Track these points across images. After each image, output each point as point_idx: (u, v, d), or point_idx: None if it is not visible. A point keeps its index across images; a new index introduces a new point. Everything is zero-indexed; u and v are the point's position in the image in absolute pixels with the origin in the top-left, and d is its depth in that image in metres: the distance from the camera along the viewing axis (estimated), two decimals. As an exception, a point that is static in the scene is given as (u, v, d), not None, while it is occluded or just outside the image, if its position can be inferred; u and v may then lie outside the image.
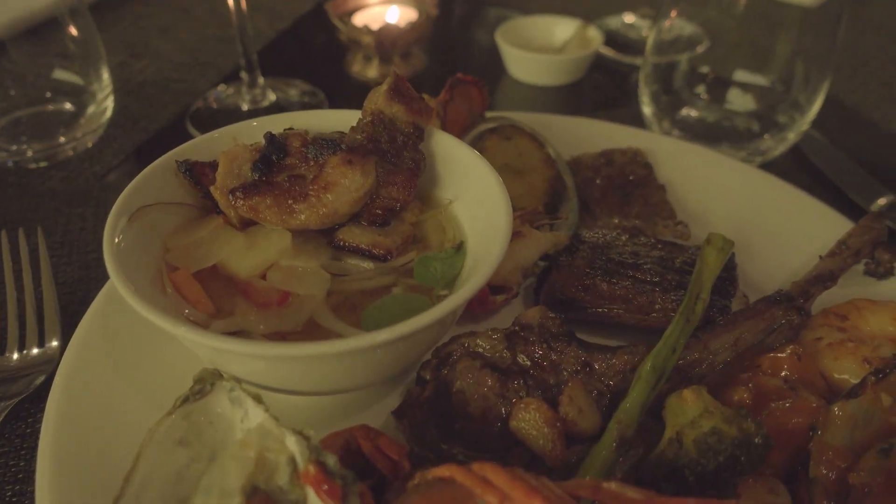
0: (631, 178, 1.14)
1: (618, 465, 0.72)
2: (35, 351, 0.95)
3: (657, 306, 0.89)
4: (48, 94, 1.37)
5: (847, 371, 0.80)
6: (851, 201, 1.25)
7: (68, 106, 1.38)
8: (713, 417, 0.69)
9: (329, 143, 0.84)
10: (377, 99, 0.89)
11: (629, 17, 1.89)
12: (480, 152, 1.10)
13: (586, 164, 1.17)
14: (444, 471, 0.63)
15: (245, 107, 1.48)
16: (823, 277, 0.90)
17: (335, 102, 1.55)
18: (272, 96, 1.50)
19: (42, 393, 0.87)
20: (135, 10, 1.94)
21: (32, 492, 0.79)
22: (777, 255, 1.04)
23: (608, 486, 0.61)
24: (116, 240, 0.74)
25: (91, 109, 1.37)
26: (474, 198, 0.87)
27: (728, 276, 0.93)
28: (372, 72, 1.63)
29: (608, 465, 0.71)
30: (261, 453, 0.66)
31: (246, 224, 0.83)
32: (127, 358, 0.83)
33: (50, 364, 0.93)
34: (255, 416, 0.69)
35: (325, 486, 0.61)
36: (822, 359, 0.82)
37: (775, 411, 0.74)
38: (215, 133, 0.91)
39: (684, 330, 0.81)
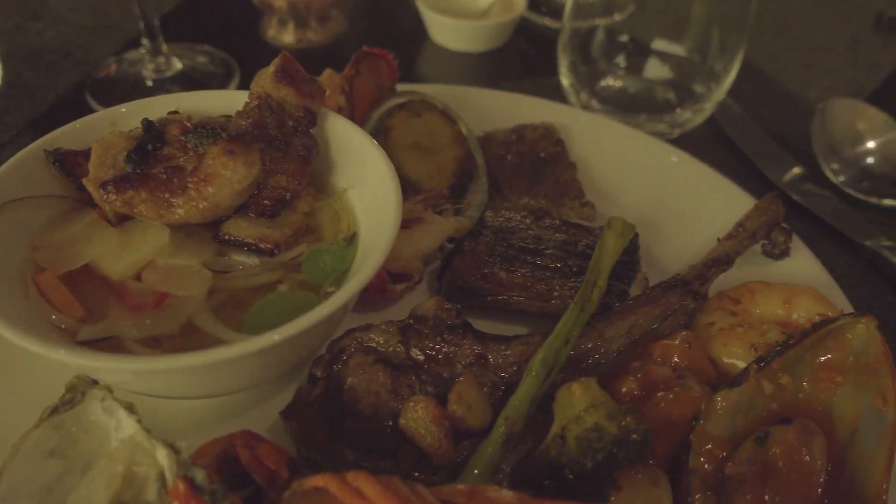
0: (542, 155, 1.13)
1: (506, 460, 0.73)
2: None
3: (556, 293, 0.88)
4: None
5: (735, 356, 0.81)
6: (763, 173, 1.26)
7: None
8: (597, 412, 0.69)
9: (209, 132, 0.80)
10: (264, 81, 0.84)
11: (558, -22, 1.84)
12: (388, 130, 1.09)
13: (498, 140, 1.15)
14: (318, 480, 0.61)
15: (148, 76, 1.40)
16: (720, 260, 0.90)
17: (248, 70, 1.47)
18: (178, 65, 1.42)
19: None
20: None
21: None
22: (684, 234, 1.04)
23: (483, 490, 0.61)
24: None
25: (-23, 81, 1.27)
26: (368, 186, 0.84)
27: (629, 260, 0.93)
28: (288, 37, 1.56)
29: (495, 461, 0.71)
30: (129, 468, 0.64)
31: (123, 219, 0.79)
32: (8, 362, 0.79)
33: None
34: (127, 426, 0.66)
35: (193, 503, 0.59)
36: (713, 345, 0.83)
37: (660, 401, 0.75)
38: (90, 118, 0.85)
39: (579, 320, 0.81)
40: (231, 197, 0.77)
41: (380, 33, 1.67)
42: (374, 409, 0.76)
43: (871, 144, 1.22)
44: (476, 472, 0.70)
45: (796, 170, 1.26)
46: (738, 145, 1.32)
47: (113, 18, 1.64)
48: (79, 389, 0.69)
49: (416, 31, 1.62)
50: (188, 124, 0.82)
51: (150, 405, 0.72)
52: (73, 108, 1.37)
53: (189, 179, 0.77)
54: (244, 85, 1.41)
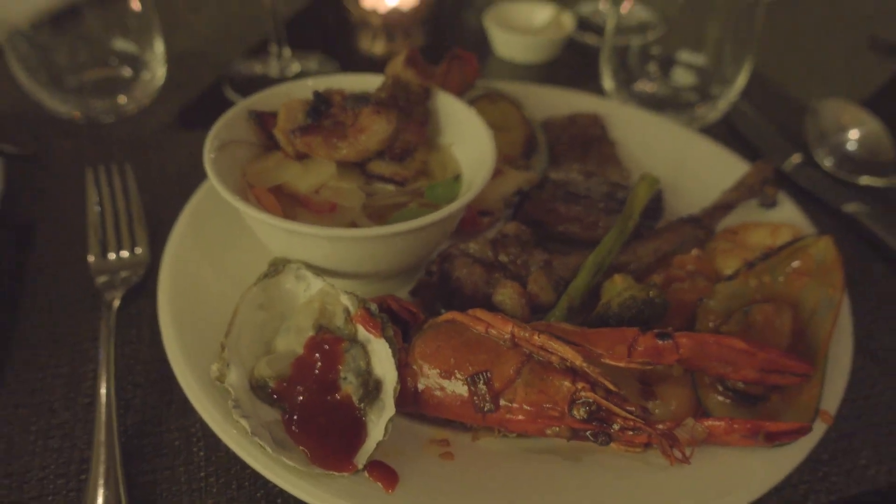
0: (589, 136, 1.45)
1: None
2: (126, 254, 1.24)
3: (601, 224, 1.20)
4: (112, 60, 1.64)
5: (731, 267, 1.11)
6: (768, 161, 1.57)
7: (127, 71, 1.65)
8: (632, 289, 1.01)
9: (362, 98, 1.14)
10: (396, 66, 1.19)
11: (603, 4, 2.18)
12: (472, 112, 1.42)
13: (555, 124, 1.48)
14: (448, 315, 0.94)
15: (273, 75, 1.76)
16: (725, 205, 1.22)
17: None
18: (296, 67, 1.78)
19: (136, 287, 1.18)
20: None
21: (148, 343, 1.10)
22: (699, 193, 1.34)
23: (555, 323, 0.93)
24: (212, 155, 1.04)
25: (147, 76, 1.64)
26: (468, 142, 1.17)
27: (655, 205, 1.24)
28: (379, 48, 1.92)
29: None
30: (323, 306, 0.97)
31: (302, 156, 1.13)
32: (214, 251, 1.14)
33: (140, 266, 1.22)
34: (316, 284, 0.99)
35: (370, 322, 0.91)
36: (717, 260, 1.14)
37: (677, 290, 1.06)
38: (273, 90, 1.20)
39: (618, 239, 1.13)
40: (377, 143, 1.11)
41: (451, 45, 2.02)
42: (474, 292, 1.08)
43: (851, 135, 1.52)
44: (547, 329, 1.02)
45: (795, 157, 1.57)
46: (747, 137, 1.64)
47: (234, 31, 2.02)
48: (279, 265, 1.03)
49: (481, 44, 1.97)
50: (345, 94, 1.16)
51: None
52: (213, 98, 1.74)
53: (349, 130, 1.11)
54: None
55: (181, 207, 1.22)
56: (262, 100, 1.18)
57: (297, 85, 1.21)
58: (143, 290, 1.19)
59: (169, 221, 1.23)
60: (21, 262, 1.26)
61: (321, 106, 1.13)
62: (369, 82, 1.22)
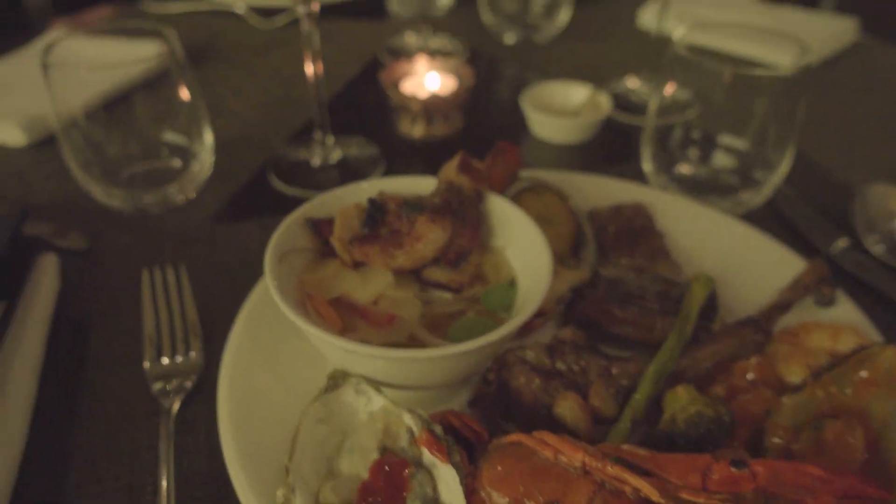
0: (636, 227, 1.45)
1: (631, 438, 1.02)
2: (180, 359, 1.24)
3: (658, 326, 1.19)
4: (162, 152, 1.68)
5: (794, 374, 1.09)
6: (813, 244, 1.56)
7: (177, 162, 1.69)
8: (697, 404, 0.99)
9: (417, 206, 1.15)
10: (449, 172, 1.21)
11: (632, 82, 2.21)
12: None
13: (600, 215, 1.48)
14: (513, 437, 0.93)
15: (316, 161, 1.79)
16: (782, 306, 1.20)
17: (388, 156, 1.86)
18: (338, 152, 1.81)
19: (191, 392, 1.18)
20: (209, 73, 2.27)
21: (205, 453, 1.09)
22: (750, 289, 1.33)
23: (625, 447, 0.91)
24: (276, 283, 1.05)
25: (196, 167, 1.68)
26: (521, 245, 1.18)
27: (710, 305, 1.23)
28: (418, 131, 1.95)
29: (624, 438, 1.01)
30: (387, 425, 0.96)
31: (357, 265, 1.14)
32: (271, 359, 1.14)
33: (194, 370, 1.22)
34: (377, 401, 0.99)
35: (436, 446, 0.90)
36: (778, 364, 1.12)
37: (742, 401, 1.04)
38: (326, 197, 1.21)
39: (677, 343, 1.11)
40: (433, 251, 1.12)
41: (490, 127, 2.06)
42: (533, 403, 1.07)
43: (902, 222, 1.51)
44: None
45: (842, 241, 1.55)
46: (793, 221, 1.63)
47: (277, 115, 2.08)
48: (338, 378, 1.03)
49: (518, 124, 2.00)
50: (400, 200, 1.18)
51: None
52: (260, 185, 1.77)
53: (405, 239, 1.12)
54: (388, 171, 1.79)
55: (232, 302, 1.23)
56: (317, 206, 1.20)
57: (350, 190, 1.23)
58: (197, 395, 1.19)
59: (220, 317, 1.24)
60: (78, 364, 1.27)
61: (376, 214, 1.15)
62: (421, 185, 1.24)
